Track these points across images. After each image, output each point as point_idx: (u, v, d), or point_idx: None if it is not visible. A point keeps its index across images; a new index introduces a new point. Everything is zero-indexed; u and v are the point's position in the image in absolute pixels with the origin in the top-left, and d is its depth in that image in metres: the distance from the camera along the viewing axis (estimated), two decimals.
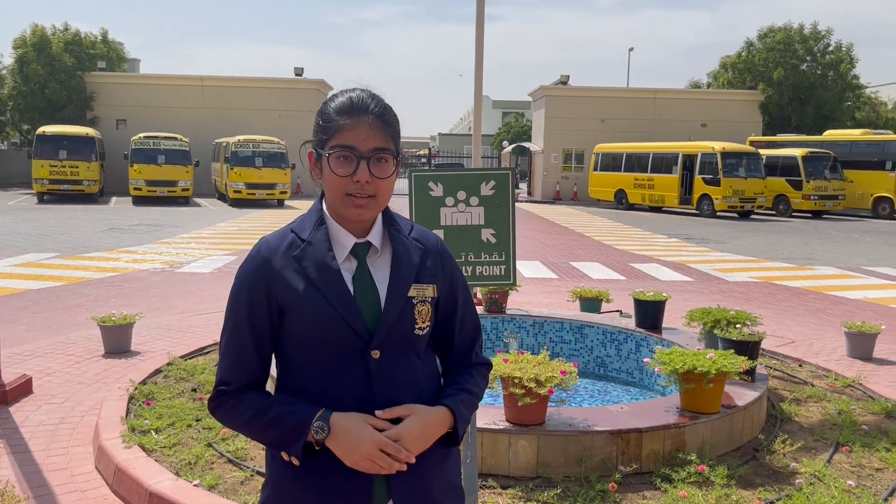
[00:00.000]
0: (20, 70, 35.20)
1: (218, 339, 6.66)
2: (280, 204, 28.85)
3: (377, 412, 1.58)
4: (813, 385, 5.70)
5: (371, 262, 1.68)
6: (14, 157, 38.14)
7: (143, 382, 5.32)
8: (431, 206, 3.61)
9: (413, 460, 1.60)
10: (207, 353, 6.34)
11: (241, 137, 28.77)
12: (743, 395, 4.54)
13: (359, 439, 1.55)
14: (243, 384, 1.65)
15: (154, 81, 36.84)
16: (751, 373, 4.79)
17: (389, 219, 1.74)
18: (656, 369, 4.31)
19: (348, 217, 1.65)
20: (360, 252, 1.68)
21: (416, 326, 1.67)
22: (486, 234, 3.60)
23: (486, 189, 3.58)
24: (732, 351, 4.47)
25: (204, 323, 7.85)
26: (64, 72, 35.12)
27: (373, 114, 1.60)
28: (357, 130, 1.59)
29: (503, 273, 3.64)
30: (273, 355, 1.71)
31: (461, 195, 3.58)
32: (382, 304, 1.64)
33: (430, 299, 1.70)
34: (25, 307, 8.85)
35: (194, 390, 5.19)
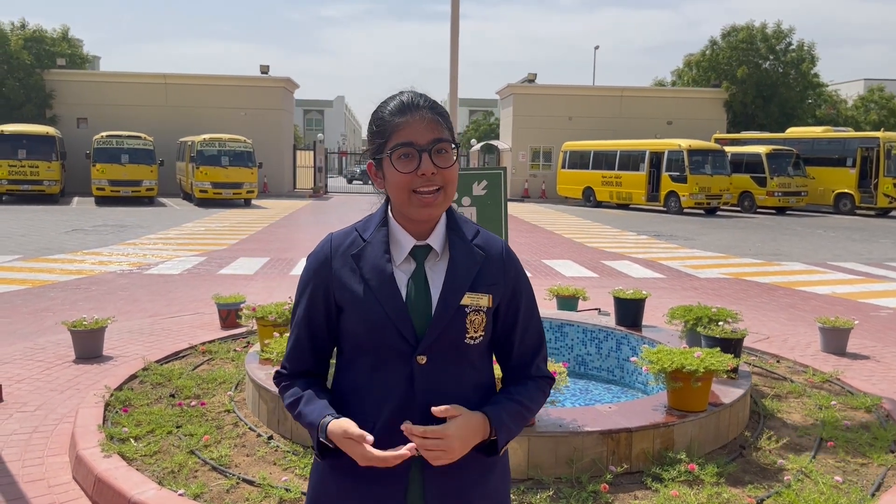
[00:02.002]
0: None
1: (192, 342, 6.57)
2: (247, 203, 28.51)
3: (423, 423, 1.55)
4: (792, 381, 5.77)
5: (429, 266, 1.66)
6: None
7: (119, 388, 5.18)
8: None
9: (447, 456, 1.54)
10: (183, 357, 6.20)
11: (207, 136, 28.35)
12: (728, 393, 4.56)
13: (350, 451, 1.57)
14: (296, 371, 1.74)
15: (116, 79, 36.10)
16: (734, 370, 4.82)
17: (453, 223, 1.71)
18: (644, 368, 4.30)
19: (417, 219, 1.63)
20: (419, 255, 1.66)
21: (468, 335, 1.64)
22: None
23: (479, 189, 3.53)
24: (718, 349, 4.49)
25: (177, 326, 7.69)
26: (22, 69, 34.26)
27: (425, 108, 1.62)
28: (414, 126, 1.59)
29: None
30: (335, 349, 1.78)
31: None
32: (433, 311, 1.62)
33: (484, 309, 1.65)
34: None
35: (172, 396, 5.06)
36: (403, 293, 1.62)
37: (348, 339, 1.68)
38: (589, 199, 31.30)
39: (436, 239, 1.66)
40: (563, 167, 32.82)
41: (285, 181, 37.70)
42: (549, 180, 36.46)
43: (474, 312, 1.64)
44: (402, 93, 1.65)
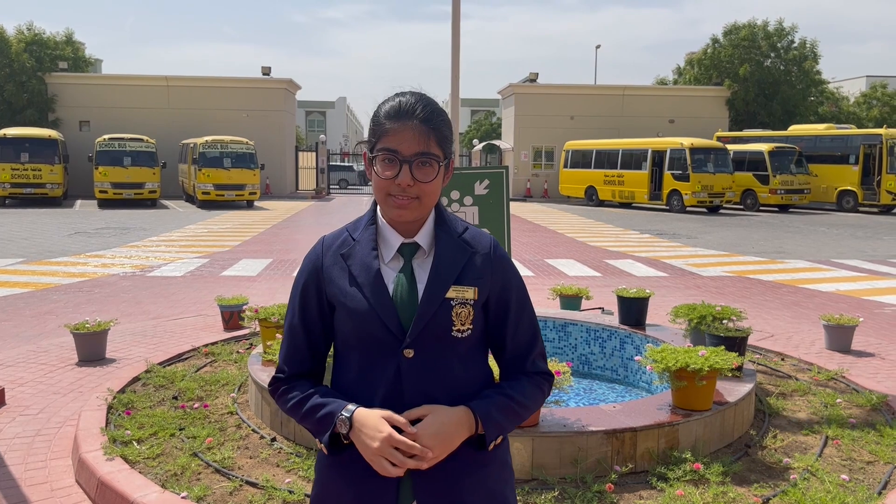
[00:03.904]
0: None
1: (195, 344, 6.56)
2: (249, 205, 28.52)
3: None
4: (797, 379, 5.74)
5: (417, 263, 1.69)
6: None
7: (122, 391, 5.16)
8: None
9: (429, 455, 1.57)
10: (186, 359, 6.19)
11: (210, 138, 28.37)
12: (733, 391, 4.53)
13: (372, 435, 1.57)
14: (295, 373, 1.75)
15: (118, 82, 36.16)
16: (738, 368, 4.79)
17: (441, 220, 1.73)
18: (648, 367, 4.28)
19: (390, 217, 1.68)
20: (407, 252, 1.70)
21: (454, 328, 1.65)
22: None
23: (480, 188, 3.51)
24: (723, 347, 4.46)
25: (180, 328, 7.68)
26: (23, 73, 34.31)
27: (418, 118, 1.62)
28: (402, 135, 1.61)
29: None
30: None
31: (455, 195, 3.51)
32: (419, 304, 1.65)
33: (470, 301, 1.67)
34: None
35: (175, 398, 5.05)
36: (391, 289, 1.65)
37: (340, 336, 1.71)
38: (591, 198, 31.27)
39: (423, 236, 1.69)
40: (566, 166, 32.80)
41: (287, 182, 37.71)
42: (551, 180, 36.44)
43: (460, 305, 1.65)
44: (403, 94, 1.66)
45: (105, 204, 27.52)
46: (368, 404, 1.63)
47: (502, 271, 1.73)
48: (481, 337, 1.74)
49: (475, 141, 46.90)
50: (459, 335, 1.66)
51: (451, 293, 1.65)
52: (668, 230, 20.61)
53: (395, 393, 1.63)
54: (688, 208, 27.33)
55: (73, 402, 5.32)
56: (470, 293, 1.66)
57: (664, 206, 28.26)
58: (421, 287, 1.66)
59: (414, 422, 1.59)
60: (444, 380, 1.66)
